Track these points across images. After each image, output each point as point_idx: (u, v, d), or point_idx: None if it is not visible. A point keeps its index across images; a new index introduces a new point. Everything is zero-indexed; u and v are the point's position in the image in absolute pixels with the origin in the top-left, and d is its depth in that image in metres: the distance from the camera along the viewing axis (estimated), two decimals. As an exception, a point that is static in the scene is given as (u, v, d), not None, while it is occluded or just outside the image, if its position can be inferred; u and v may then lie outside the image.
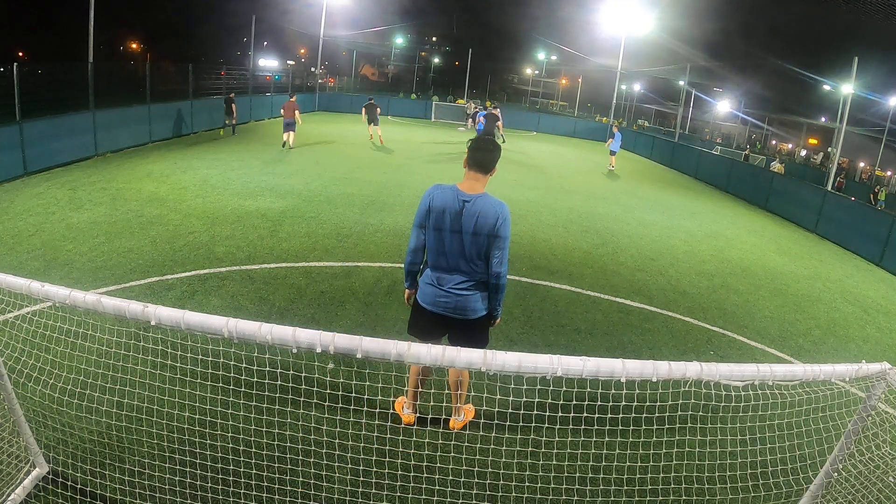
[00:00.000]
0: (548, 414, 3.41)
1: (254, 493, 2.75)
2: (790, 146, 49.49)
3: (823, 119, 44.37)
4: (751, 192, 15.54)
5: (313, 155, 13.79)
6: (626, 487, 2.92)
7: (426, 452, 3.07)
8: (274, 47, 55.38)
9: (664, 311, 5.91)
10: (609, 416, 2.77)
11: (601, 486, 2.86)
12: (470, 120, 24.54)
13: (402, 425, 3.37)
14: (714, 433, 3.52)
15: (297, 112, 14.28)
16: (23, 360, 2.89)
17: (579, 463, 3.00)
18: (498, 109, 18.18)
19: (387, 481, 2.90)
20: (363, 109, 17.34)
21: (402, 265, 3.22)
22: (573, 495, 2.90)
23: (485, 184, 3.02)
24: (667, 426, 3.44)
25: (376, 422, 3.37)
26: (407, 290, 3.26)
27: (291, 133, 14.37)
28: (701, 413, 3.68)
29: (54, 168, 9.79)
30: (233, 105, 15.99)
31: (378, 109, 17.29)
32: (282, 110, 14.62)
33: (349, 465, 2.85)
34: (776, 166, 21.10)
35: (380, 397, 3.57)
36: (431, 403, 3.58)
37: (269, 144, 14.93)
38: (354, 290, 5.52)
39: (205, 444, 2.95)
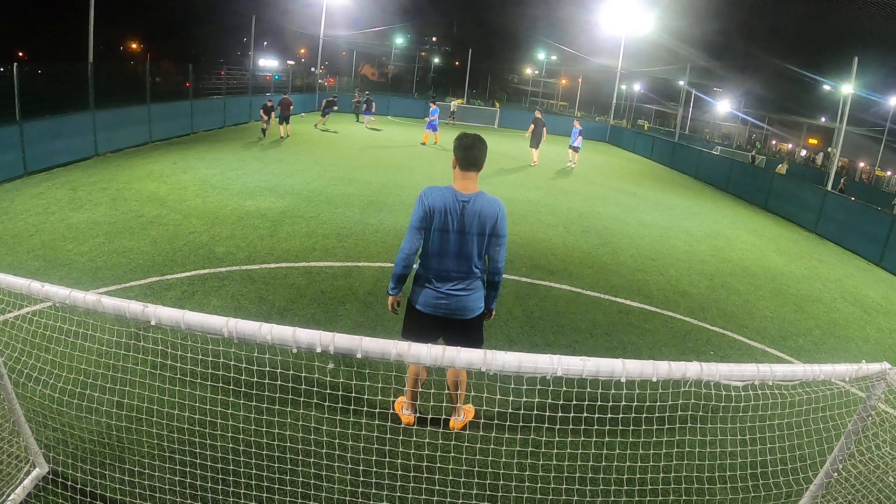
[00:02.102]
0: (548, 414, 3.41)
1: (254, 493, 2.75)
2: (790, 146, 49.50)
3: (823, 119, 44.37)
4: (751, 192, 15.54)
5: (313, 155, 13.79)
6: (626, 487, 2.93)
7: (426, 452, 3.07)
8: (274, 47, 55.42)
9: (664, 311, 5.91)
10: (609, 416, 2.78)
11: (601, 486, 2.86)
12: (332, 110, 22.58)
13: (402, 425, 3.37)
14: (714, 433, 3.52)
15: (290, 108, 16.61)
16: (23, 360, 2.89)
17: (579, 463, 3.00)
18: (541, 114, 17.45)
19: (387, 481, 2.90)
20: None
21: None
22: (573, 495, 2.90)
23: (476, 181, 3.02)
24: (667, 426, 3.44)
25: (376, 422, 3.37)
26: (392, 297, 3.16)
27: (287, 125, 16.45)
28: (701, 413, 3.67)
29: (54, 168, 9.79)
30: (270, 110, 16.64)
31: (291, 107, 18.15)
32: (278, 107, 16.47)
33: (349, 465, 2.85)
34: (781, 167, 20.95)
35: (380, 397, 3.57)
36: (431, 403, 3.58)
37: (269, 144, 14.94)
38: (354, 290, 5.52)
39: (205, 444, 2.95)
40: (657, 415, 3.05)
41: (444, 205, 2.91)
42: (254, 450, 2.98)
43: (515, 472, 3.08)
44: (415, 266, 3.10)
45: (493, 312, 3.24)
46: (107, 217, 7.14)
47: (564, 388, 3.89)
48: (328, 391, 3.35)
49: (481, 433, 3.41)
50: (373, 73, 71.75)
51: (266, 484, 2.77)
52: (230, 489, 2.74)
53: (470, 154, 2.96)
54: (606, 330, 5.26)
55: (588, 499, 2.86)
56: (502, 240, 2.98)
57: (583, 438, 3.22)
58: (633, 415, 2.79)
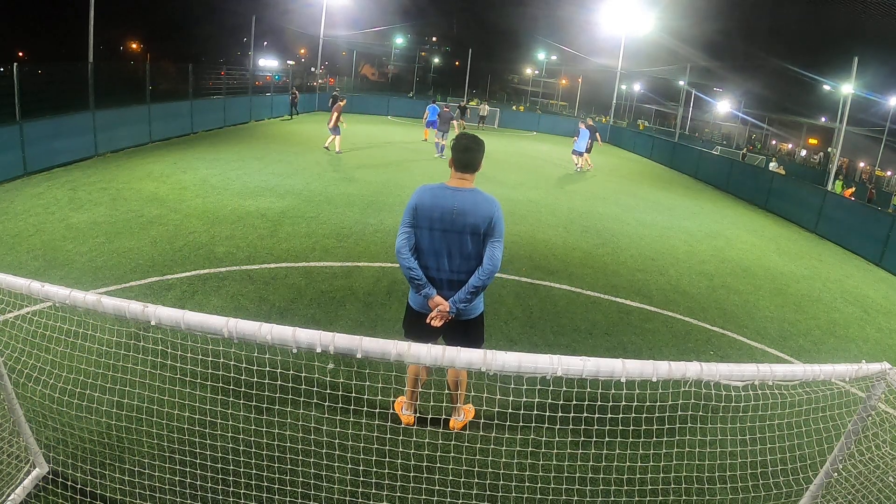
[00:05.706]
0: (548, 414, 3.41)
1: (254, 493, 2.75)
2: (790, 146, 49.51)
3: (823, 119, 44.36)
4: (751, 192, 15.54)
5: (313, 155, 13.79)
6: (626, 487, 2.92)
7: (426, 452, 3.07)
8: (274, 47, 55.45)
9: (664, 311, 5.90)
10: (609, 416, 2.78)
11: (601, 486, 2.86)
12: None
13: (402, 425, 3.37)
14: (714, 433, 3.52)
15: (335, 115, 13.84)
16: (23, 360, 2.89)
17: (579, 463, 3.00)
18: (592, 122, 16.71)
19: (387, 481, 2.90)
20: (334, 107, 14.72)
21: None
22: (573, 495, 2.90)
23: (473, 181, 2.99)
24: (667, 426, 3.43)
25: (376, 422, 3.37)
26: (429, 301, 2.95)
27: (337, 137, 14.05)
28: (701, 413, 3.67)
29: (54, 168, 9.79)
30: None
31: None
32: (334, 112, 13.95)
33: (349, 465, 2.85)
34: (773, 166, 20.89)
35: (380, 397, 3.57)
36: (431, 403, 3.58)
37: (269, 144, 14.93)
38: (354, 290, 5.52)
39: (205, 444, 2.95)
40: (657, 415, 3.04)
41: (434, 203, 2.88)
42: (254, 450, 2.98)
43: (515, 472, 3.08)
44: None
45: (458, 309, 2.93)
46: (107, 217, 7.14)
47: (564, 388, 3.89)
48: (328, 391, 3.35)
49: (481, 433, 3.41)
50: (373, 73, 71.72)
51: (266, 484, 2.77)
52: (230, 489, 2.74)
53: (465, 156, 2.94)
54: (606, 330, 5.26)
55: (588, 499, 2.86)
56: (498, 240, 2.91)
57: (583, 438, 3.22)
58: (633, 415, 2.79)
